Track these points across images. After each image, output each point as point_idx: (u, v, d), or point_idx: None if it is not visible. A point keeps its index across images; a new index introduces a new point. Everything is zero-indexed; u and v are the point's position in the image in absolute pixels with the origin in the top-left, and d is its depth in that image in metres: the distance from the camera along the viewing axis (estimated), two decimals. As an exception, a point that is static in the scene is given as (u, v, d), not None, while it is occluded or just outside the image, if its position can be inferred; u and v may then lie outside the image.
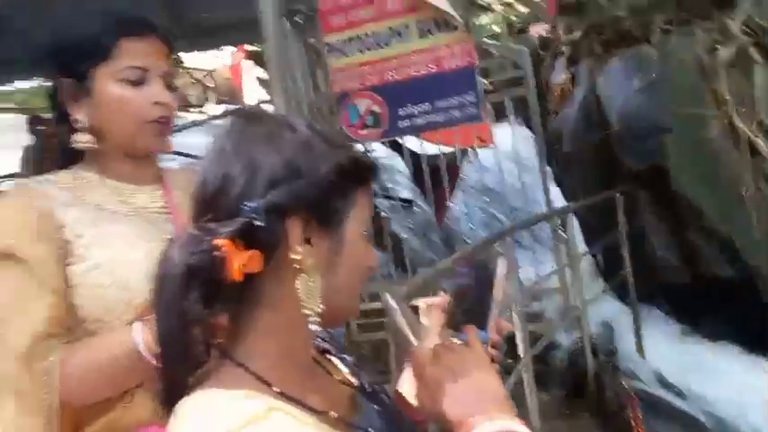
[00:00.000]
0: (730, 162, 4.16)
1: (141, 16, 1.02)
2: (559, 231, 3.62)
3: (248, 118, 0.65)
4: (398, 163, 4.70)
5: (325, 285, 0.62)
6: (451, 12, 3.20)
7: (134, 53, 0.99)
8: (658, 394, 3.93)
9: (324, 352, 0.75)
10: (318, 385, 0.66)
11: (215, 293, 0.57)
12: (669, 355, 4.27)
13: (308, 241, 0.61)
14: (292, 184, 0.60)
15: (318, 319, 0.61)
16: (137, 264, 0.93)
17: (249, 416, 0.55)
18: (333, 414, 0.62)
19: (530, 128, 5.17)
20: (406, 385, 0.75)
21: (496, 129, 4.10)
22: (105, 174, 1.02)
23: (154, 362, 0.85)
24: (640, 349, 4.33)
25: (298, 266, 0.60)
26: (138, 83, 0.99)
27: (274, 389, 0.59)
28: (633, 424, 3.40)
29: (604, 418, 3.33)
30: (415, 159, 3.90)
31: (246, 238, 0.58)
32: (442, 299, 0.75)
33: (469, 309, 0.71)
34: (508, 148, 4.14)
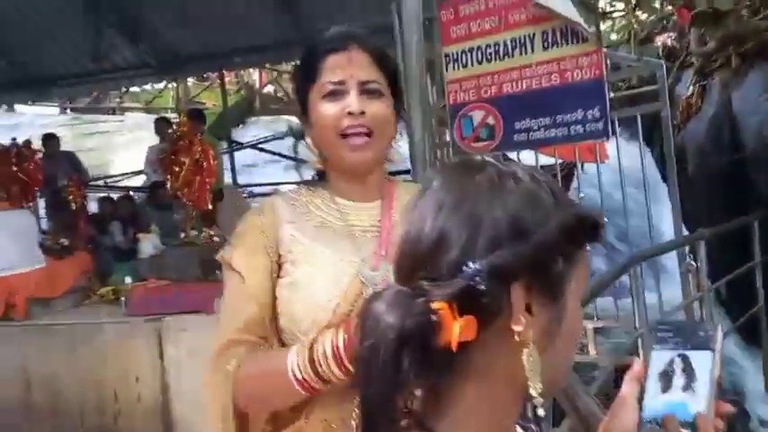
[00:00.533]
0: None
1: (343, 31, 1.04)
2: (689, 260, 3.34)
3: (466, 165, 0.59)
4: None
5: (545, 359, 0.55)
6: (581, 21, 3.05)
7: (333, 68, 1.00)
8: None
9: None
10: None
11: (425, 362, 0.51)
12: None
13: (528, 309, 0.54)
14: (518, 245, 0.53)
15: (541, 399, 0.54)
16: (325, 282, 0.96)
17: None
18: None
19: (649, 145, 4.86)
20: None
21: (610, 144, 3.88)
22: (335, 191, 1.05)
23: (297, 386, 0.88)
24: (770, 393, 3.94)
25: (517, 338, 0.53)
26: (336, 97, 1.00)
27: None
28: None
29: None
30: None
31: (463, 302, 0.51)
32: (638, 367, 0.65)
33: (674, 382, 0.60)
34: (629, 166, 3.90)
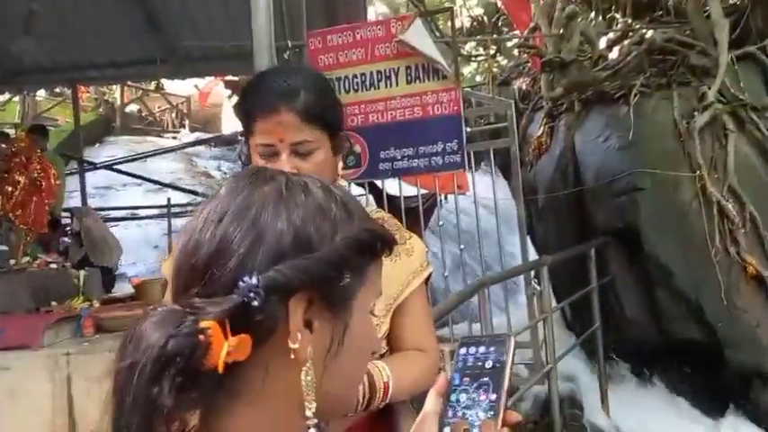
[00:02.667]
0: (701, 225, 4.25)
1: (274, 92, 1.03)
2: (533, 284, 3.61)
3: (257, 175, 0.55)
4: (371, 201, 4.68)
5: (324, 376, 0.52)
6: (441, 61, 3.23)
7: (263, 132, 1.03)
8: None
9: None
10: None
11: (190, 384, 0.47)
12: (632, 413, 4.26)
13: (308, 324, 0.51)
14: (301, 259, 0.50)
15: (315, 420, 0.51)
16: None
17: None
18: None
19: (506, 178, 5.22)
20: None
21: (471, 176, 4.12)
22: None
23: None
24: (605, 407, 4.31)
25: (293, 356, 0.50)
26: (269, 158, 1.02)
27: None
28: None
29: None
30: (389, 200, 3.87)
31: (237, 319, 0.48)
32: (441, 380, 0.63)
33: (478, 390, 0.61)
34: (484, 196, 4.17)
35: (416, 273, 1.19)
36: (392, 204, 3.69)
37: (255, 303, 0.48)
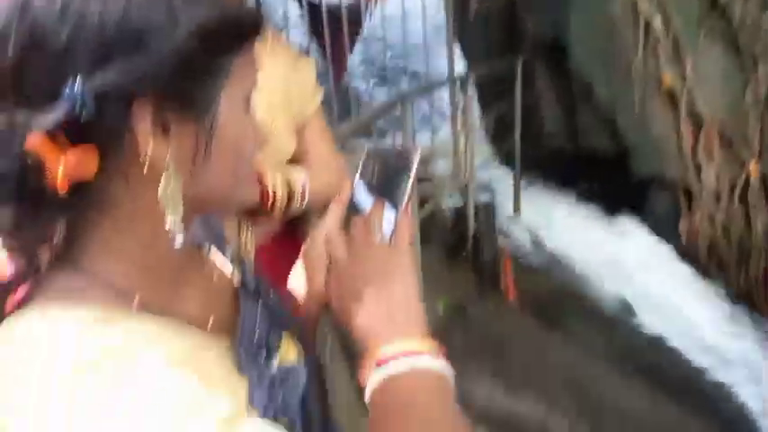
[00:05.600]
0: (626, 39, 4.28)
1: None
2: (458, 96, 3.62)
3: None
4: (292, 8, 4.37)
5: (196, 181, 0.48)
6: None
7: None
8: (529, 252, 4.31)
9: (199, 244, 0.61)
10: (192, 287, 0.54)
11: (36, 207, 0.42)
12: (543, 218, 4.64)
13: (165, 129, 0.45)
14: (134, 56, 0.42)
15: (182, 226, 0.47)
16: None
17: (106, 345, 0.42)
18: (210, 319, 0.52)
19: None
20: (298, 281, 0.64)
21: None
22: None
23: None
24: (518, 212, 4.65)
25: (149, 162, 0.45)
26: None
27: (135, 300, 0.46)
28: (504, 276, 3.74)
29: (480, 273, 3.62)
30: (312, 8, 3.61)
31: (74, 130, 0.41)
32: (344, 191, 0.62)
33: (384, 189, 0.61)
34: (414, 4, 3.98)
35: (314, 90, 1.21)
36: (312, 10, 3.48)
37: (90, 110, 0.41)
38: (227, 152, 0.49)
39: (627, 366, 3.47)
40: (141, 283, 0.48)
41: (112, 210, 0.47)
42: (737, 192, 4.29)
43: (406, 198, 0.60)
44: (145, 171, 0.45)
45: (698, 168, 4.31)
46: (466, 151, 3.54)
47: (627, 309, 3.95)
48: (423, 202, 3.31)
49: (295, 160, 1.21)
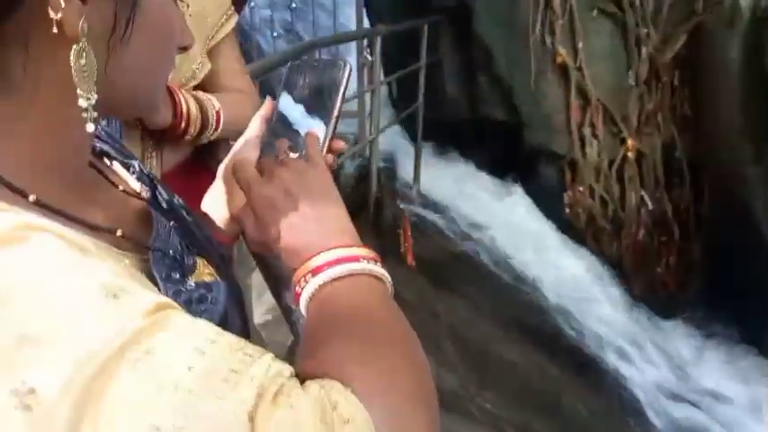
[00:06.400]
0: (526, 12, 4.41)
1: None
2: (366, 54, 3.56)
3: None
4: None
5: (110, 63, 0.42)
6: None
7: None
8: (425, 214, 4.42)
9: (102, 155, 0.55)
10: (97, 197, 0.48)
11: None
12: (441, 182, 4.75)
13: None
14: None
15: (94, 113, 0.41)
16: None
17: None
18: (118, 232, 0.45)
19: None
20: (213, 203, 0.62)
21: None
22: None
23: None
24: (418, 176, 4.73)
25: (56, 30, 0.38)
26: None
27: (31, 198, 0.39)
28: (403, 239, 3.80)
29: (381, 235, 3.66)
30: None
31: None
32: (268, 105, 0.60)
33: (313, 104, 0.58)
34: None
35: (227, 14, 1.18)
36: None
37: None
38: (151, 37, 0.44)
39: (512, 327, 3.69)
40: (38, 184, 0.40)
41: (5, 86, 0.39)
42: (615, 167, 4.63)
43: (336, 112, 0.58)
44: (54, 31, 0.37)
45: (582, 142, 4.59)
46: (371, 112, 3.51)
47: (517, 274, 4.18)
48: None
49: (206, 87, 1.16)
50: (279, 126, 0.59)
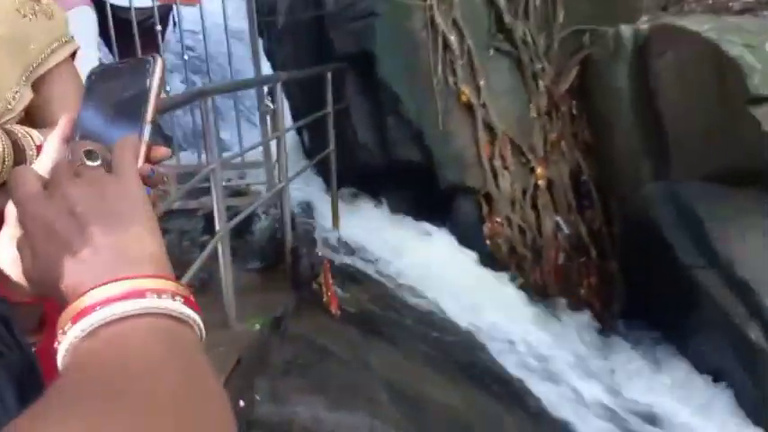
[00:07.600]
0: (427, 55, 4.54)
1: None
2: (267, 102, 3.54)
3: None
4: (87, 13, 3.97)
5: None
6: None
7: None
8: (347, 261, 4.34)
9: None
10: None
11: None
12: (359, 228, 4.71)
13: None
14: None
15: None
16: None
17: None
18: None
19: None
20: (4, 248, 0.47)
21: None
22: None
23: None
24: (336, 223, 4.68)
25: None
26: None
27: None
28: (324, 289, 3.70)
29: (298, 287, 3.54)
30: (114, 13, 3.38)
31: None
32: (65, 123, 0.50)
33: (118, 106, 0.50)
34: (216, 15, 3.84)
35: (61, 41, 1.08)
36: (117, 18, 3.23)
37: None
38: None
39: (443, 365, 3.63)
40: None
41: None
42: (528, 196, 4.75)
43: (149, 115, 0.50)
44: None
45: (495, 175, 4.69)
46: (278, 160, 3.46)
47: (445, 314, 4.14)
48: (236, 214, 3.18)
49: (36, 121, 1.05)
50: (85, 143, 0.50)
